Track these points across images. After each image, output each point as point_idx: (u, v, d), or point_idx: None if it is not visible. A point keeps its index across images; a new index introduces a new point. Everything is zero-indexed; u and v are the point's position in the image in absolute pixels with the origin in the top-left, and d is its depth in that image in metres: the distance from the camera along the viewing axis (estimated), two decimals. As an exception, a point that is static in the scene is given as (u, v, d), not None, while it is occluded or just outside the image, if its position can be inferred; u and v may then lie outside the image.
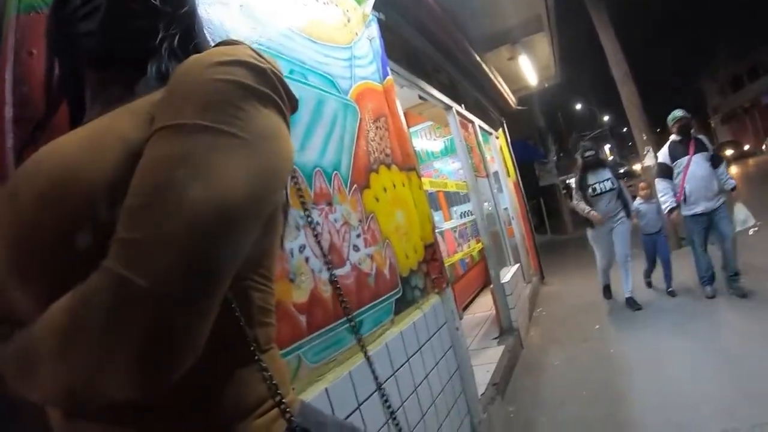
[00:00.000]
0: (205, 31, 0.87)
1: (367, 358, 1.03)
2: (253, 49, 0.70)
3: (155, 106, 0.64)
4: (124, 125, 0.65)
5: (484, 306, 6.53)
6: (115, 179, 0.59)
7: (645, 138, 9.04)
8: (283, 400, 0.74)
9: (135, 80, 0.75)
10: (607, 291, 6.35)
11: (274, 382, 0.73)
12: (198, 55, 0.67)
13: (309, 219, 0.98)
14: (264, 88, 0.66)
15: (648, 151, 8.88)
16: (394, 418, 1.07)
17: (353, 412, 1.83)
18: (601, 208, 5.73)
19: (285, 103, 0.70)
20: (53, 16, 0.80)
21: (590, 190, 5.74)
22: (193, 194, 0.55)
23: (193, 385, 0.60)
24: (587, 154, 5.85)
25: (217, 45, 0.72)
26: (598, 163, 5.85)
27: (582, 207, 5.73)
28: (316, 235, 1.02)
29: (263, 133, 0.64)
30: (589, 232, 6.07)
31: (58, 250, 0.60)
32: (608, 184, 5.74)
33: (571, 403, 3.68)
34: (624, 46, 9.39)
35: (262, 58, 0.69)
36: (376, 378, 1.04)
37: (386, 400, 1.04)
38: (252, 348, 0.71)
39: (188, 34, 0.80)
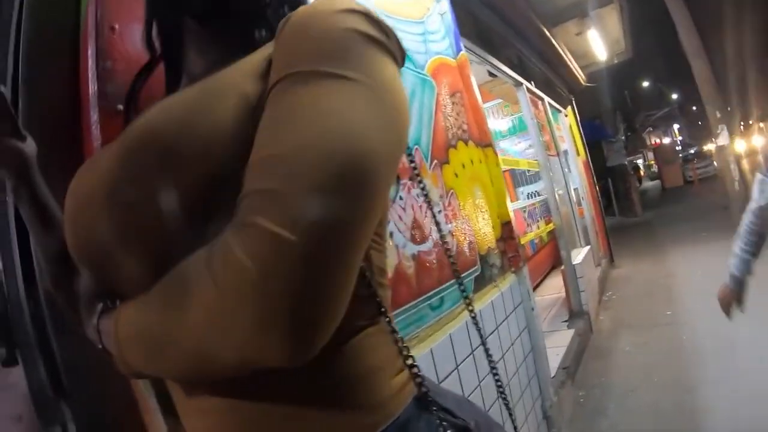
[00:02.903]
0: None
1: (473, 317, 0.98)
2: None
3: (270, 59, 0.60)
4: (239, 80, 0.61)
5: (552, 288, 6.43)
6: (236, 133, 0.56)
7: (719, 116, 8.49)
8: (414, 363, 0.70)
9: (242, 37, 0.71)
10: None
11: (404, 344, 0.70)
12: (310, 5, 0.62)
13: (422, 188, 0.94)
14: (381, 37, 0.60)
15: (722, 129, 8.37)
16: (496, 374, 1.02)
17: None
18: None
19: (400, 56, 0.64)
20: None
21: None
22: (334, 143, 0.50)
23: (324, 349, 0.55)
24: None
25: None
26: None
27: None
28: (430, 206, 0.98)
29: (387, 82, 0.58)
30: None
31: (175, 209, 0.55)
32: None
33: (642, 390, 3.56)
34: (696, 17, 8.84)
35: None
36: (481, 335, 1.00)
37: (490, 355, 0.99)
38: (381, 308, 0.68)
39: None
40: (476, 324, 1.01)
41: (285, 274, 0.46)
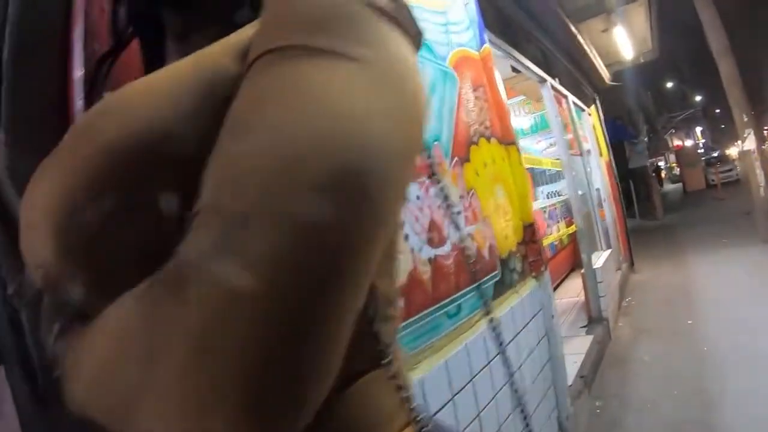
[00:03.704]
0: None
1: (493, 327, 0.84)
2: None
3: (252, 37, 0.45)
4: (213, 62, 0.46)
5: (570, 291, 6.28)
6: (200, 130, 0.41)
7: (746, 119, 8.21)
8: (419, 418, 0.55)
9: (223, 17, 0.56)
10: None
11: (407, 394, 0.55)
12: None
13: (441, 187, 0.80)
14: (390, 8, 0.45)
15: (749, 133, 8.10)
16: (516, 391, 0.89)
17: (446, 404, 1.71)
18: None
19: (416, 33, 0.49)
20: None
21: None
22: (322, 137, 0.36)
23: None
24: None
25: None
26: None
27: None
28: (448, 206, 0.83)
29: (398, 62, 0.43)
30: None
31: (122, 224, 0.42)
32: None
33: (662, 403, 3.44)
34: (723, 16, 8.57)
35: None
36: (500, 343, 0.87)
37: (508, 366, 0.87)
38: (380, 349, 0.53)
39: None
40: (495, 332, 0.88)
41: (236, 337, 0.33)
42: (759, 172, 8.01)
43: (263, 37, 0.42)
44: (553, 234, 6.45)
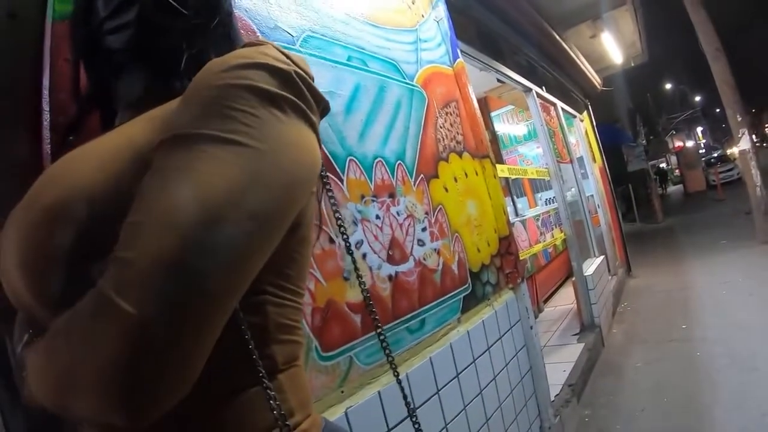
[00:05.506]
0: (240, 36, 0.83)
1: (398, 381, 0.92)
2: (280, 50, 0.65)
3: (169, 118, 0.60)
4: (139, 134, 0.62)
5: (566, 298, 6.24)
6: (124, 193, 0.55)
7: (740, 120, 8.18)
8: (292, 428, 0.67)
9: (164, 85, 0.73)
10: None
11: (282, 411, 0.65)
12: (216, 59, 0.62)
13: (345, 237, 0.90)
14: (285, 92, 0.61)
15: (743, 133, 8.09)
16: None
17: (406, 417, 1.72)
18: None
19: (312, 108, 0.65)
20: (79, 26, 0.79)
21: None
22: (185, 211, 0.50)
23: (188, 412, 0.57)
24: None
25: (243, 46, 0.67)
26: None
27: None
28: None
29: (279, 140, 0.58)
30: None
31: (63, 266, 0.57)
32: None
33: (651, 411, 3.41)
34: (714, 18, 8.58)
35: (289, 59, 0.65)
36: (407, 404, 0.92)
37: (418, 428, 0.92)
38: (259, 370, 0.65)
39: (221, 44, 0.77)
40: (402, 390, 0.94)
41: (111, 343, 0.47)
42: (755, 172, 8.00)
43: (173, 122, 0.57)
44: (546, 241, 6.43)
